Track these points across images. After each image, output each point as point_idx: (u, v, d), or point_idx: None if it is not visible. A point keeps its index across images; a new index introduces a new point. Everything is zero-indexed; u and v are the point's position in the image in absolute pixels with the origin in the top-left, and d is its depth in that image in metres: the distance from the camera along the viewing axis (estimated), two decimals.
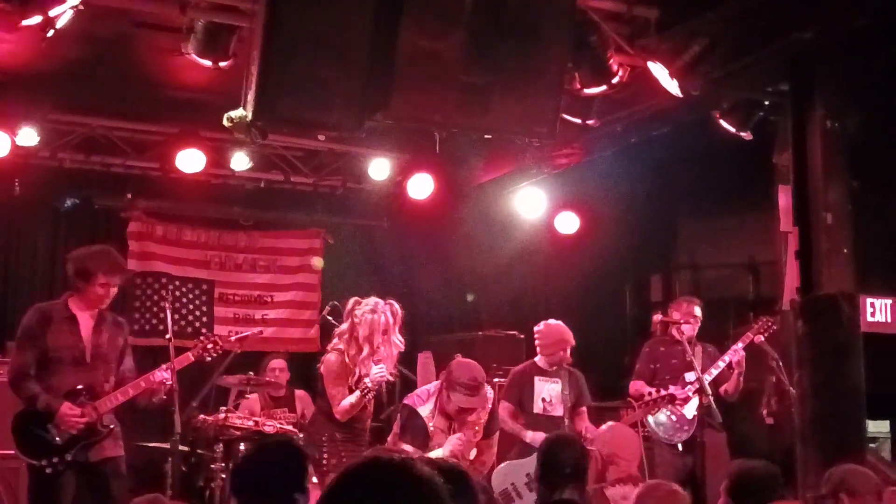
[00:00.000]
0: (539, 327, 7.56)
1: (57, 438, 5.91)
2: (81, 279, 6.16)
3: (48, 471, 5.89)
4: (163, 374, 6.12)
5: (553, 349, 7.43)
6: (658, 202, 10.13)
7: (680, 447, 7.59)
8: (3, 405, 7.60)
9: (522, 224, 9.99)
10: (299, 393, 8.46)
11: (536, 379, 7.44)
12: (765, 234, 8.45)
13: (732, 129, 7.41)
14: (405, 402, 6.43)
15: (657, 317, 8.28)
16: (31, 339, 6.04)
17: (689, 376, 7.66)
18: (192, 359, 6.48)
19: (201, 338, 6.73)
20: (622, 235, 10.24)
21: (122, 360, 6.29)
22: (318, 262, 9.88)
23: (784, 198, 6.97)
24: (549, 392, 7.39)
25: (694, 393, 7.56)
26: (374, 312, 6.43)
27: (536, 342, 7.55)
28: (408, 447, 6.04)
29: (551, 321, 7.58)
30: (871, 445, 7.14)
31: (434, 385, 6.44)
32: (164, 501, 4.11)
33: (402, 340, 6.59)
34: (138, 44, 7.18)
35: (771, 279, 8.72)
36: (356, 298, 6.60)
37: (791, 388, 7.07)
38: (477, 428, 6.40)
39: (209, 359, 6.68)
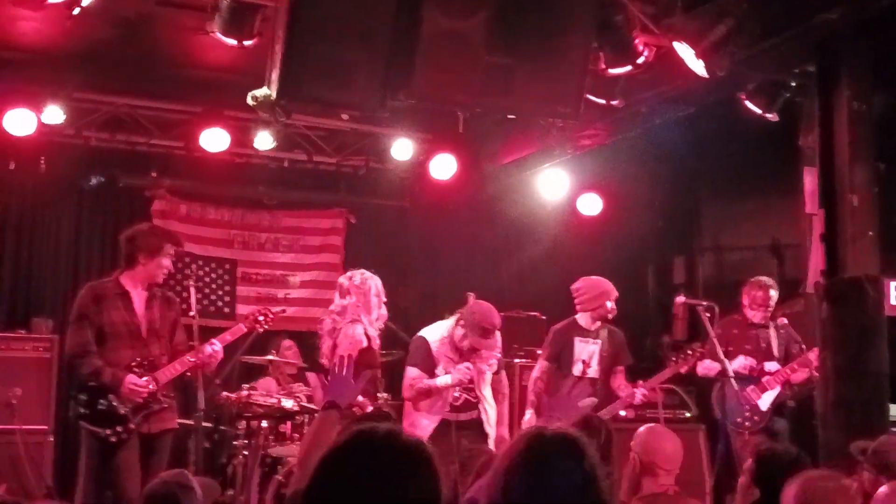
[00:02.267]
0: (577, 284, 7.42)
1: (121, 408, 6.09)
2: (147, 254, 6.33)
3: (112, 439, 6.07)
4: (213, 348, 6.34)
5: (597, 302, 7.29)
6: (682, 184, 10.09)
7: (747, 435, 7.55)
8: (29, 381, 7.73)
9: (545, 205, 9.98)
10: (310, 375, 8.54)
11: (577, 340, 7.34)
12: (789, 216, 8.41)
13: (758, 111, 7.36)
14: (419, 334, 6.86)
15: (679, 299, 8.24)
16: (86, 317, 6.21)
17: (770, 366, 7.62)
18: (245, 329, 6.76)
19: (254, 309, 7.07)
20: (645, 217, 10.22)
21: (174, 334, 6.48)
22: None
23: (809, 180, 6.94)
24: (588, 353, 7.33)
25: (776, 384, 7.56)
26: (371, 278, 6.83)
27: (577, 300, 7.39)
28: (413, 371, 6.64)
29: (590, 277, 7.47)
30: (894, 429, 7.09)
31: (450, 322, 6.76)
32: (188, 477, 4.13)
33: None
34: (163, 23, 7.20)
35: (795, 262, 8.67)
36: (346, 276, 6.98)
37: (813, 371, 7.06)
38: (493, 362, 6.82)
39: (261, 330, 6.95)
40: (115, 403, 6.09)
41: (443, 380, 6.59)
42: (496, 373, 6.90)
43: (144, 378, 6.15)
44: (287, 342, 8.90)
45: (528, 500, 2.53)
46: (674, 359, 7.47)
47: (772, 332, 7.79)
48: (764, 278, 7.92)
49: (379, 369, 6.74)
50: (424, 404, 6.67)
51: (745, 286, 7.93)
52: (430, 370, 6.64)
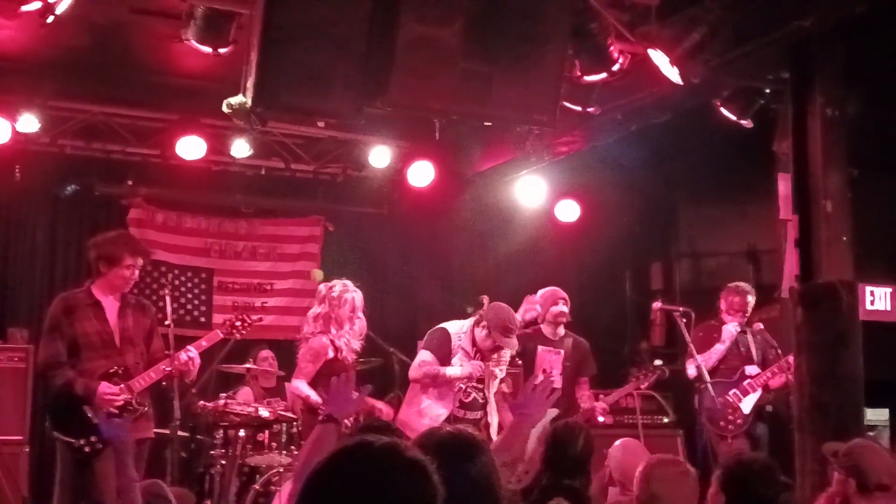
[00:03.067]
0: (526, 304, 7.60)
1: (94, 418, 6.04)
2: (106, 263, 6.30)
3: (86, 449, 6.04)
4: (188, 355, 6.31)
5: (545, 310, 7.50)
6: (658, 190, 10.12)
7: (730, 439, 7.60)
8: (4, 391, 7.67)
9: (523, 212, 9.99)
10: (289, 385, 8.49)
11: (540, 348, 7.48)
12: (764, 222, 8.45)
13: (733, 117, 7.41)
14: (440, 325, 7.00)
15: (657, 305, 8.29)
16: (58, 328, 6.18)
17: (751, 370, 7.66)
18: (221, 336, 6.79)
19: (230, 316, 7.03)
20: (622, 223, 10.24)
21: (150, 341, 6.45)
22: (317, 274, 9.66)
23: (784, 186, 6.97)
24: (549, 362, 7.42)
25: (757, 387, 7.60)
26: (349, 291, 6.82)
27: (530, 316, 7.57)
28: (427, 354, 6.77)
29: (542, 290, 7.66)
30: (870, 433, 7.14)
31: (469, 321, 6.90)
32: (163, 487, 4.12)
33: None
34: (138, 30, 7.18)
35: (770, 267, 8.72)
36: (327, 284, 6.99)
37: (790, 376, 7.09)
38: (503, 364, 6.94)
39: (238, 337, 6.98)
40: (88, 414, 6.05)
41: (452, 370, 6.70)
42: (503, 381, 7.00)
43: (119, 386, 6.12)
44: (264, 353, 8.78)
45: None
46: (636, 375, 7.59)
47: (749, 337, 7.84)
48: (741, 284, 7.99)
49: None
50: (434, 392, 6.74)
51: (722, 291, 7.98)
52: (444, 359, 6.75)
